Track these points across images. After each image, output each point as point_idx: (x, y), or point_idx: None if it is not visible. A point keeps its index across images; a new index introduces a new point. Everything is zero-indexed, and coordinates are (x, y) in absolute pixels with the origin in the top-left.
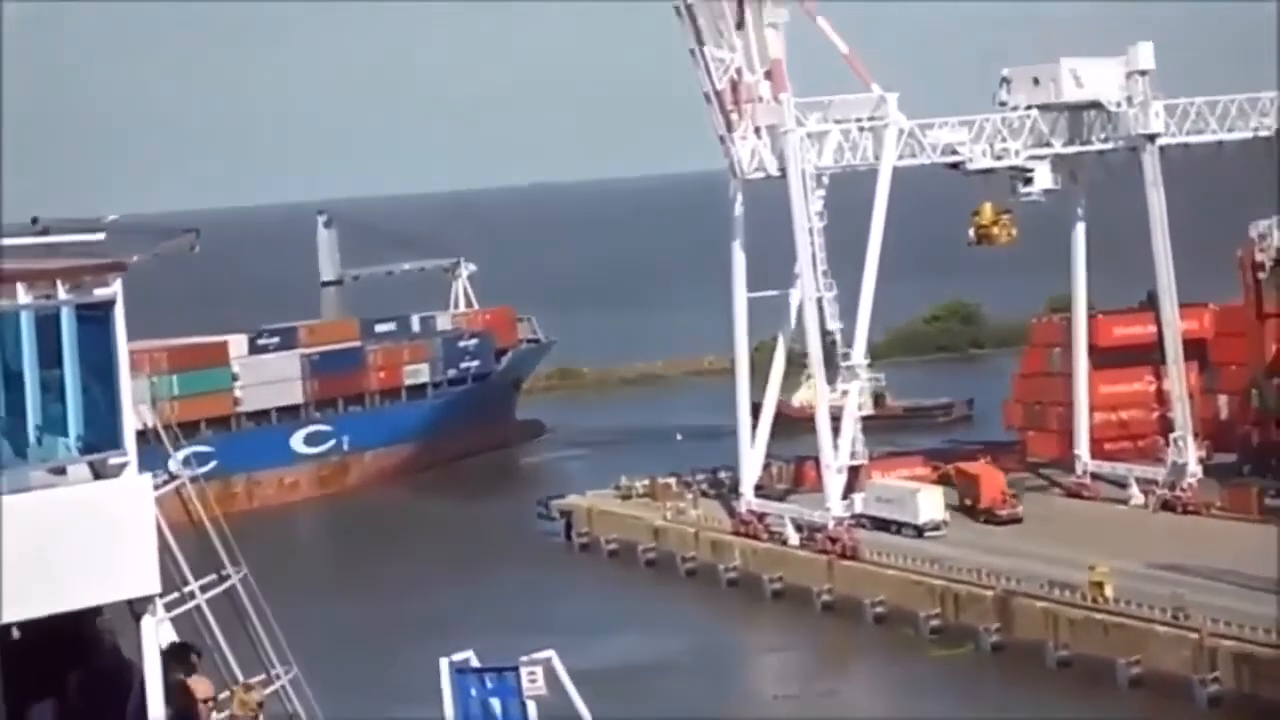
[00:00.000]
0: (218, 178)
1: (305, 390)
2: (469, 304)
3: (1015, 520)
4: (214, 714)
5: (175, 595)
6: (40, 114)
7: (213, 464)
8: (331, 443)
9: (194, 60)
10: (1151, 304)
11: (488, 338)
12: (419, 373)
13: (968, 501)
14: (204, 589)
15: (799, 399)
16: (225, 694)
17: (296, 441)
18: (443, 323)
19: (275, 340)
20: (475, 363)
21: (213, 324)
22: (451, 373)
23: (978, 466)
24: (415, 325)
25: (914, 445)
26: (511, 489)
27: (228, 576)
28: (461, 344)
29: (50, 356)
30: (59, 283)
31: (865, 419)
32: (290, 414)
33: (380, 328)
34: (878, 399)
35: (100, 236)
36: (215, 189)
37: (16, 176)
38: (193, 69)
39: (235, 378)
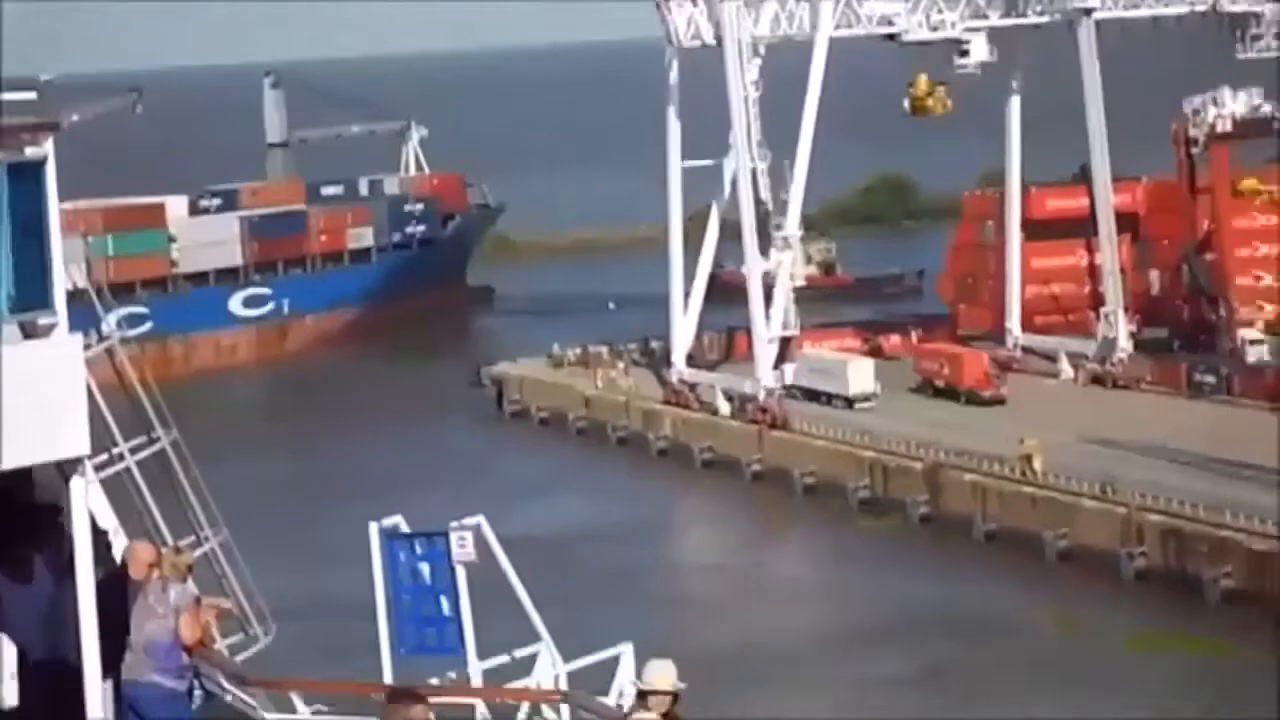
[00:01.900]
0: (161, 38)
1: (244, 253)
2: (419, 168)
3: (999, 401)
4: (153, 576)
5: (105, 457)
6: None
7: (148, 325)
8: (271, 305)
9: None
10: (1085, 178)
11: (434, 203)
12: (362, 236)
13: (944, 383)
14: (133, 451)
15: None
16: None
17: (235, 304)
18: (390, 187)
19: (217, 202)
20: (421, 227)
21: (155, 186)
22: (396, 237)
23: (959, 347)
24: (363, 189)
25: (846, 317)
26: (452, 355)
27: (158, 439)
28: (407, 208)
29: None
30: None
31: (815, 288)
32: (229, 276)
33: (326, 191)
34: (828, 269)
35: (32, 95)
36: (159, 49)
37: None
38: None
39: (172, 239)
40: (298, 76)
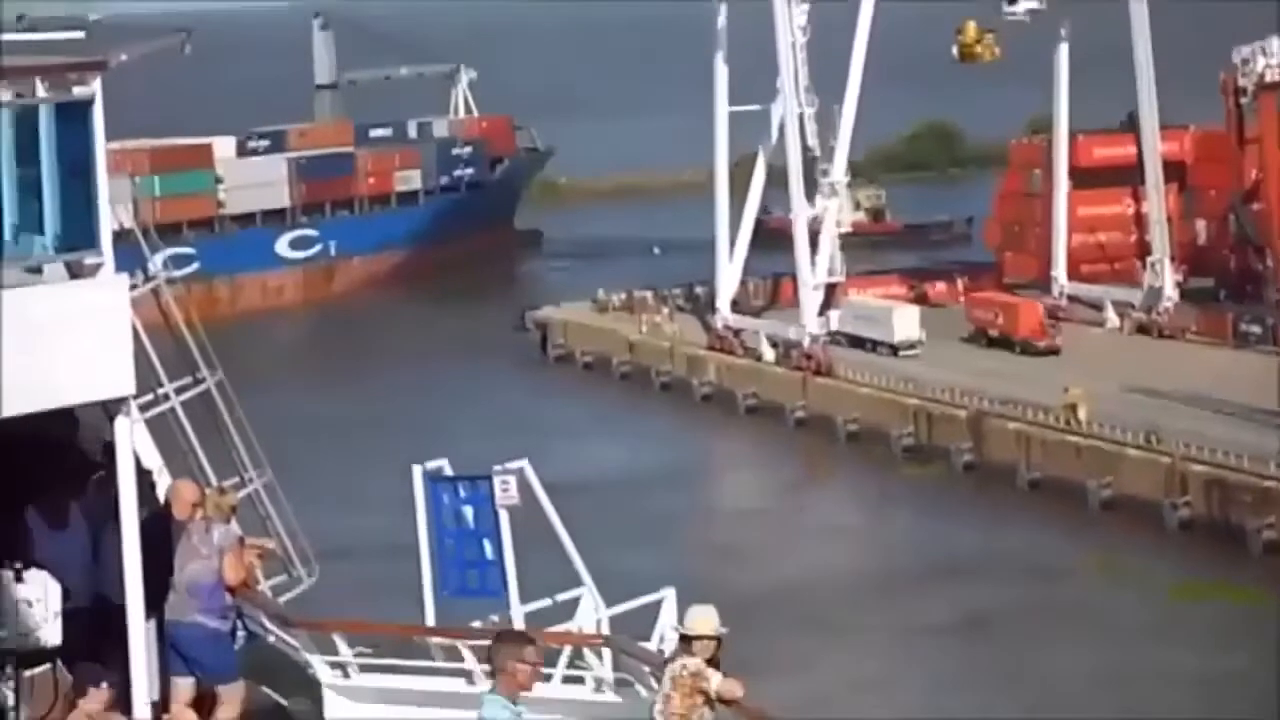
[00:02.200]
0: None
1: (292, 194)
2: (469, 111)
3: (1053, 351)
4: (197, 516)
5: (149, 397)
6: None
7: (194, 266)
8: (318, 247)
9: None
10: (1132, 125)
11: (482, 146)
12: (410, 179)
13: (998, 333)
14: (178, 391)
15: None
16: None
17: (282, 246)
18: (439, 129)
19: (265, 143)
20: (469, 170)
21: (203, 127)
22: (444, 180)
23: (1013, 296)
24: (412, 131)
25: (892, 264)
26: (498, 299)
27: (203, 379)
28: (455, 151)
29: (28, 155)
30: (38, 80)
31: (863, 235)
32: (276, 218)
33: (375, 133)
34: (877, 215)
35: (81, 35)
36: None
37: None
38: None
39: (219, 180)
40: (347, 18)
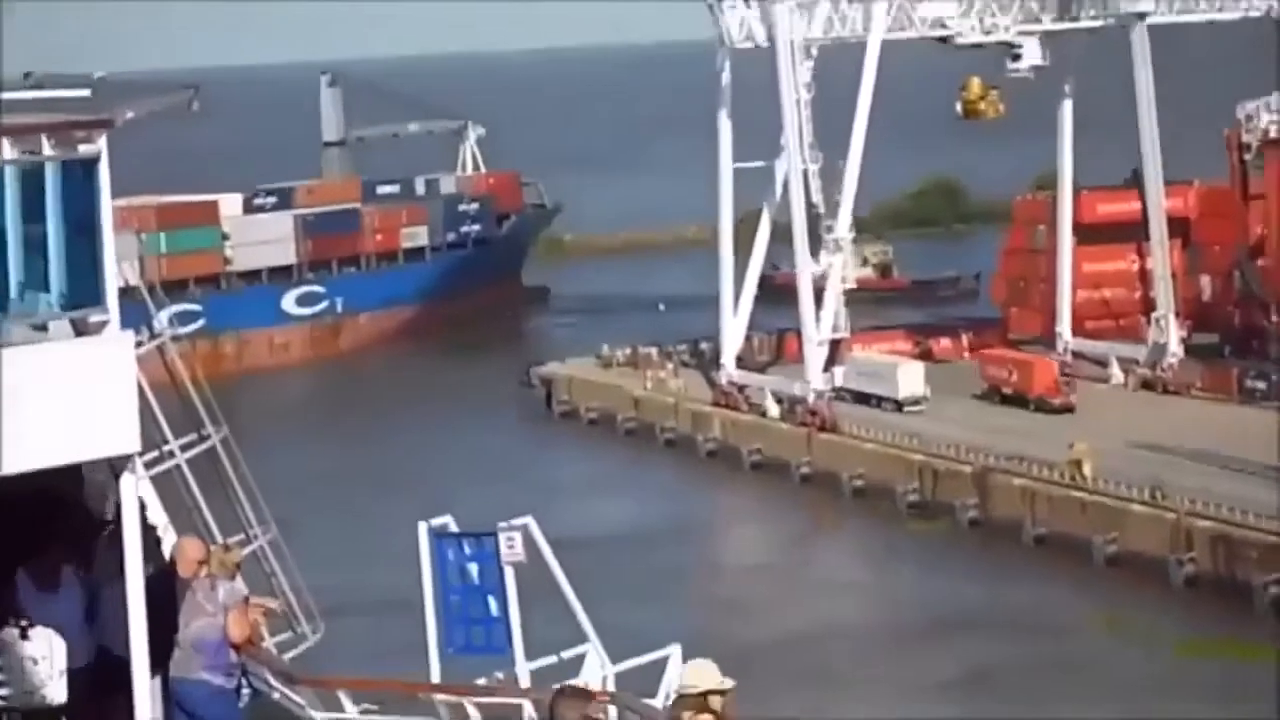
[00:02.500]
0: (218, 37)
1: (298, 251)
2: (476, 167)
3: (1068, 409)
4: (202, 573)
5: (155, 454)
6: None
7: (200, 323)
8: (324, 304)
9: None
10: (1136, 182)
11: (489, 202)
12: (417, 235)
13: (1012, 390)
14: (184, 448)
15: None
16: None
17: (288, 302)
18: (447, 186)
19: (272, 200)
20: (476, 226)
21: (212, 184)
22: (451, 236)
23: (1029, 355)
24: (419, 188)
25: (896, 319)
26: (504, 355)
27: (208, 436)
28: (462, 208)
29: (34, 212)
30: (44, 138)
31: (871, 290)
32: (282, 274)
33: (382, 189)
34: (884, 271)
35: (87, 93)
36: (216, 48)
37: (16, 33)
38: None
39: (226, 236)
40: (355, 75)
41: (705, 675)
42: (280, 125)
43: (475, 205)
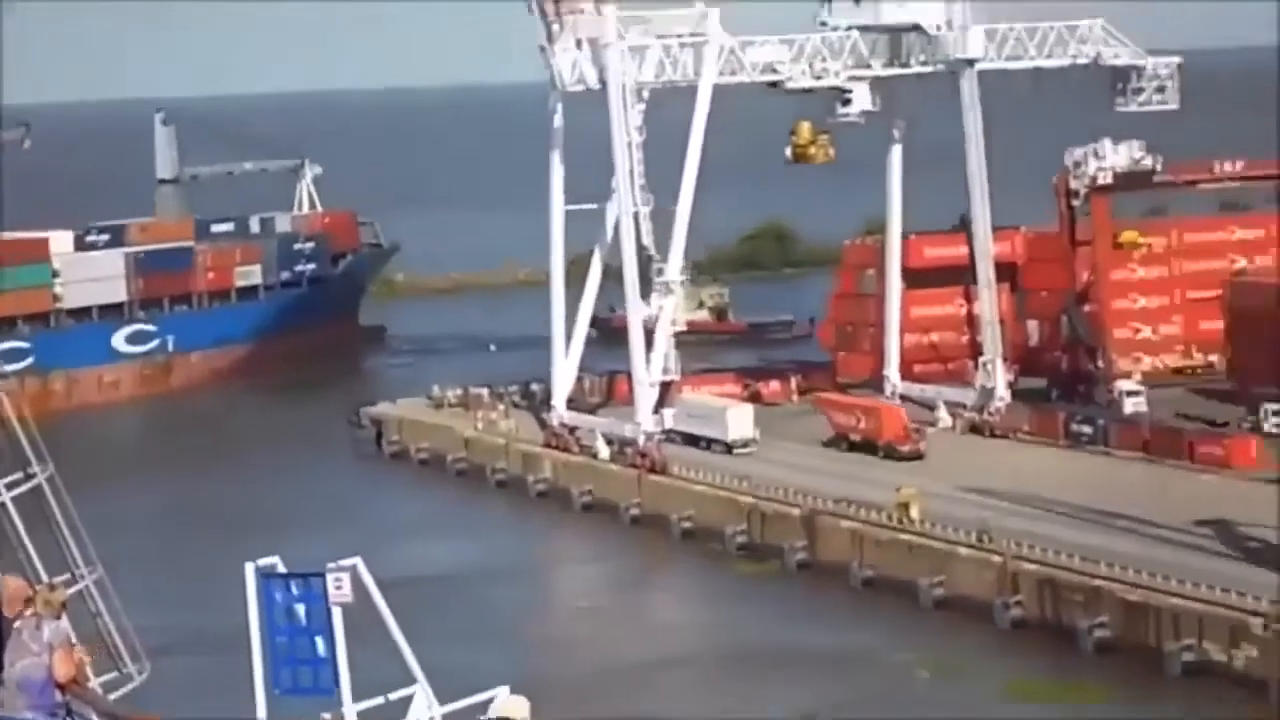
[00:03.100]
0: (49, 73)
1: (130, 289)
2: (313, 206)
3: (917, 456)
4: (27, 613)
5: None
6: None
7: (29, 361)
8: (155, 342)
9: None
10: (964, 227)
11: (324, 241)
12: (250, 274)
13: (861, 437)
14: (9, 486)
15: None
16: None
17: (119, 340)
18: (282, 224)
19: (105, 237)
20: (311, 265)
21: (43, 221)
22: (285, 275)
23: (876, 401)
24: (255, 226)
25: (725, 363)
26: (336, 394)
27: (34, 474)
28: (297, 246)
29: None
30: None
31: (708, 333)
32: (113, 312)
33: (217, 228)
34: (720, 314)
35: None
36: (47, 84)
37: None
38: None
39: (56, 274)
40: (189, 113)
41: (516, 710)
42: (114, 162)
43: (310, 244)
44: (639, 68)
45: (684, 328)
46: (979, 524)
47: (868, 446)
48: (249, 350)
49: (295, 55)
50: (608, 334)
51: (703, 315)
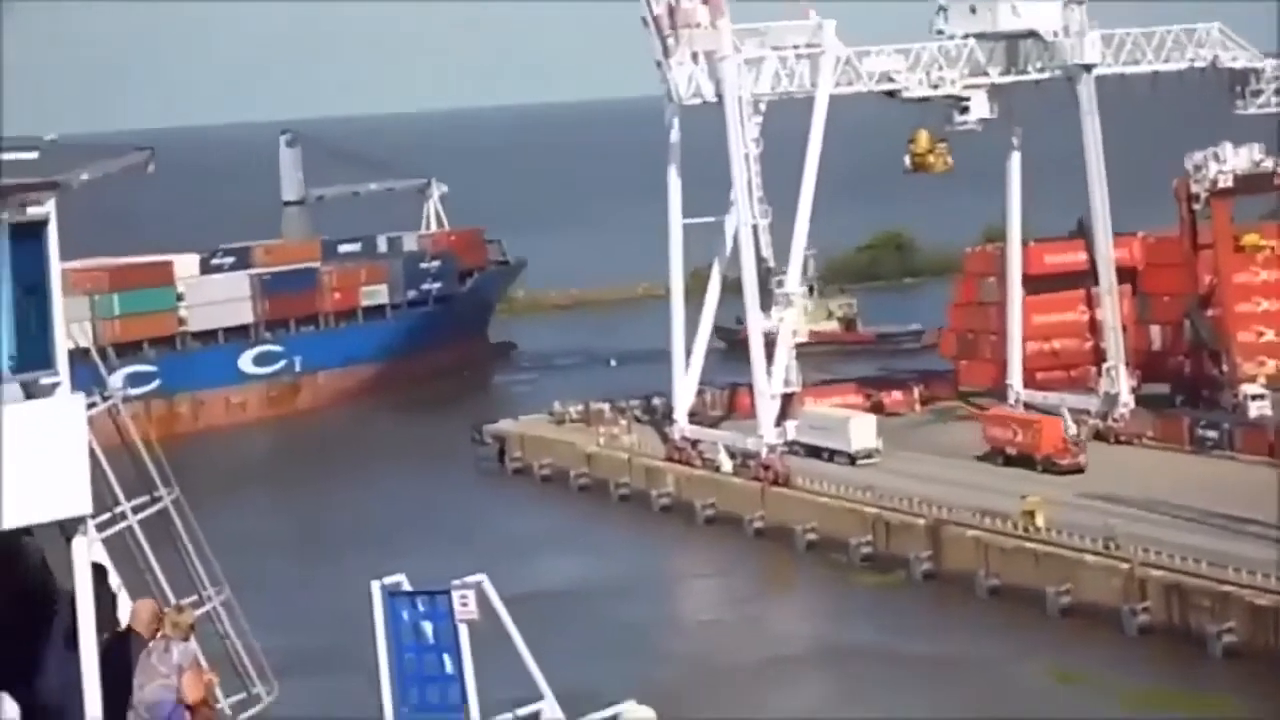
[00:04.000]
0: (178, 97)
1: (255, 310)
2: (440, 225)
3: (1077, 470)
4: (156, 636)
5: (107, 516)
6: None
7: (155, 384)
8: (282, 363)
9: None
10: (1082, 232)
11: (451, 259)
12: (377, 294)
13: (1017, 451)
14: (135, 510)
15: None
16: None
17: (245, 362)
18: (409, 244)
19: (230, 260)
20: (437, 284)
21: (170, 245)
22: (412, 294)
23: (1037, 415)
24: (382, 246)
25: (848, 373)
26: (463, 412)
27: (160, 498)
28: (423, 265)
29: None
30: None
31: (837, 344)
32: (239, 334)
33: (344, 248)
34: (849, 324)
35: (34, 155)
36: (172, 108)
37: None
38: None
39: (180, 297)
40: (313, 134)
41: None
42: (240, 186)
43: (437, 262)
44: (755, 80)
45: (806, 339)
46: (1105, 531)
47: (1025, 460)
48: (376, 369)
49: (418, 75)
50: (734, 346)
51: (832, 326)
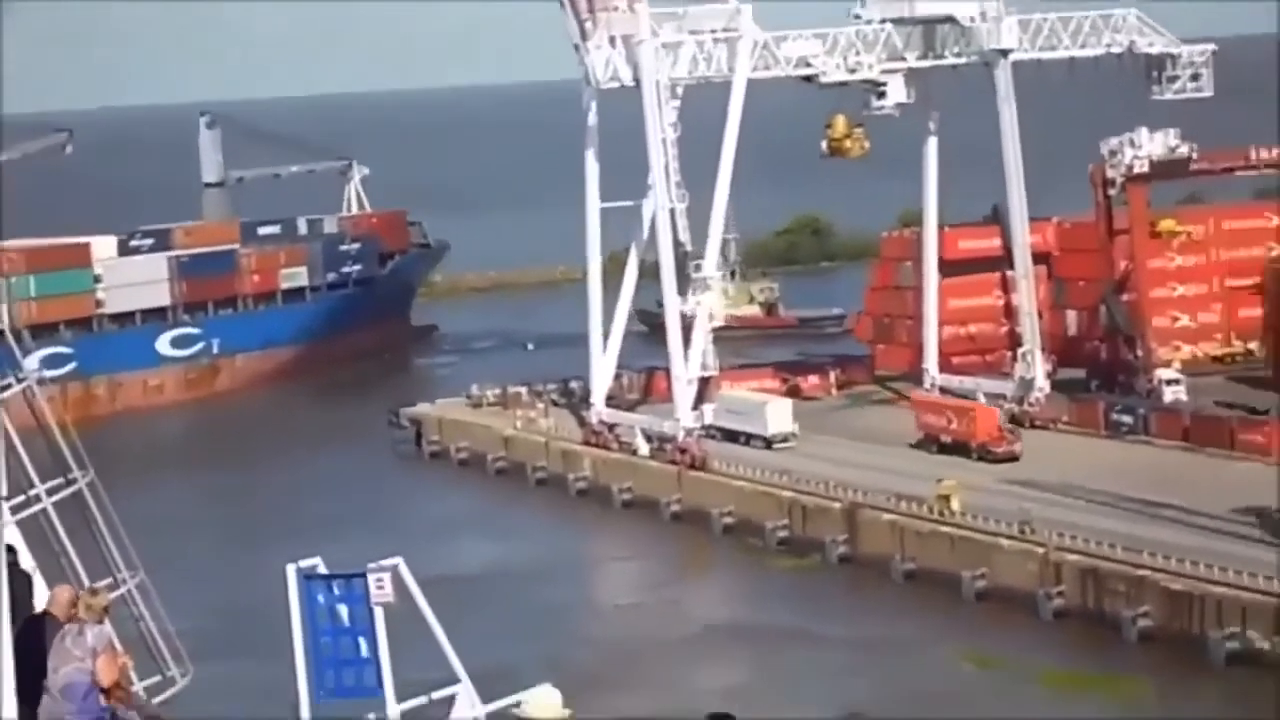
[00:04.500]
0: (94, 78)
1: (173, 292)
2: (361, 207)
3: (1012, 458)
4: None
5: (21, 499)
6: None
7: (71, 365)
8: (200, 345)
9: None
10: (996, 218)
11: (372, 241)
12: (296, 276)
13: (952, 439)
14: (50, 493)
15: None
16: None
17: (162, 344)
18: (330, 226)
19: (149, 242)
20: (357, 267)
21: (89, 227)
22: (332, 276)
23: (971, 403)
24: (302, 228)
25: (765, 357)
26: (380, 395)
27: (74, 480)
28: (343, 248)
29: None
30: None
31: (760, 329)
32: (157, 316)
33: (264, 230)
34: (770, 308)
35: None
36: (91, 90)
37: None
38: None
39: (98, 279)
40: (233, 116)
41: (546, 706)
42: (160, 168)
43: (357, 245)
44: (672, 64)
45: (723, 323)
46: (1021, 515)
47: (960, 449)
48: (296, 352)
49: (337, 58)
50: (655, 330)
51: (754, 310)
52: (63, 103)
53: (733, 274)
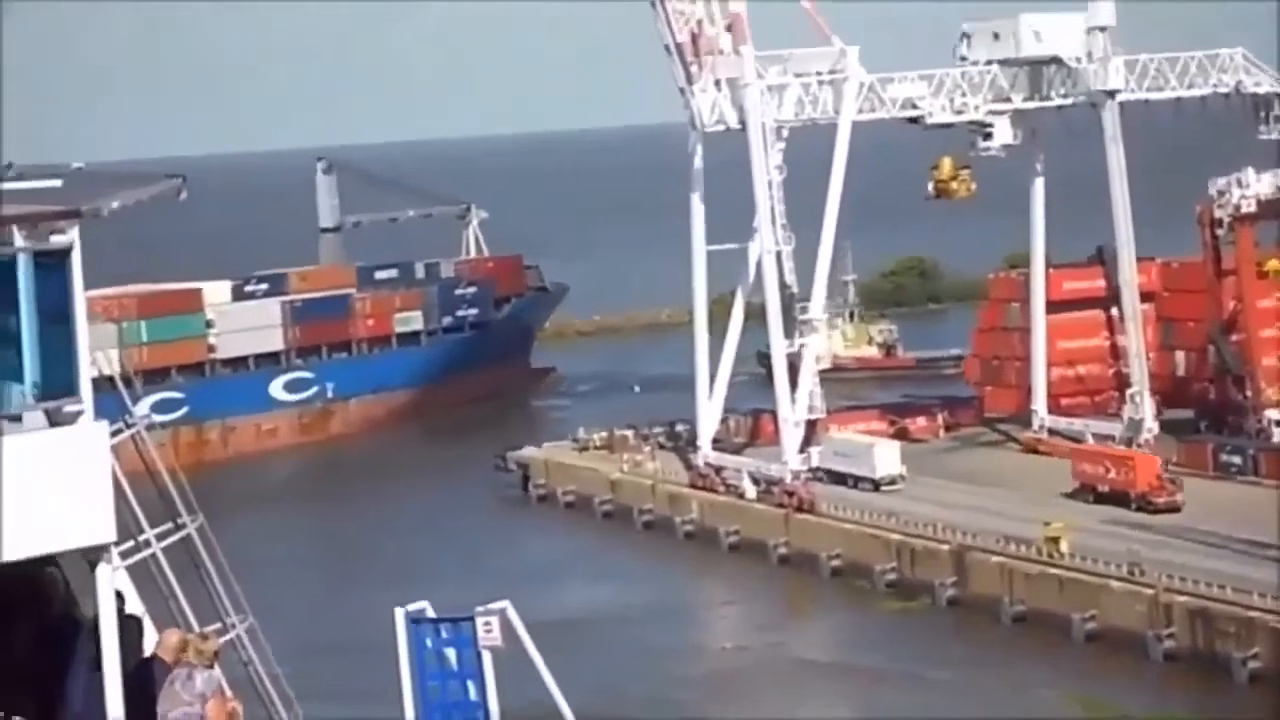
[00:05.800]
0: (214, 124)
1: (286, 337)
2: (479, 251)
3: (1173, 509)
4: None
5: (130, 544)
6: (39, 63)
7: (183, 410)
8: (313, 390)
9: (186, 6)
10: (1101, 258)
11: (487, 285)
12: (411, 320)
13: (1110, 489)
14: (159, 537)
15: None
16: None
17: (276, 388)
18: (446, 270)
19: (264, 287)
20: (473, 311)
21: (204, 273)
22: (447, 320)
23: (1130, 451)
24: (419, 272)
25: (873, 399)
26: (493, 438)
27: (183, 525)
28: (458, 292)
29: (7, 304)
30: (15, 229)
31: (878, 369)
32: (270, 361)
33: (380, 274)
34: (888, 349)
35: (58, 183)
36: (212, 136)
37: (13, 123)
38: (186, 14)
39: (210, 324)
40: (350, 161)
41: None
42: (278, 213)
43: (472, 289)
44: (778, 106)
45: (829, 365)
46: (1130, 556)
47: (1118, 498)
48: (410, 396)
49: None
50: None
51: (872, 351)
52: (180, 149)
53: (851, 315)
